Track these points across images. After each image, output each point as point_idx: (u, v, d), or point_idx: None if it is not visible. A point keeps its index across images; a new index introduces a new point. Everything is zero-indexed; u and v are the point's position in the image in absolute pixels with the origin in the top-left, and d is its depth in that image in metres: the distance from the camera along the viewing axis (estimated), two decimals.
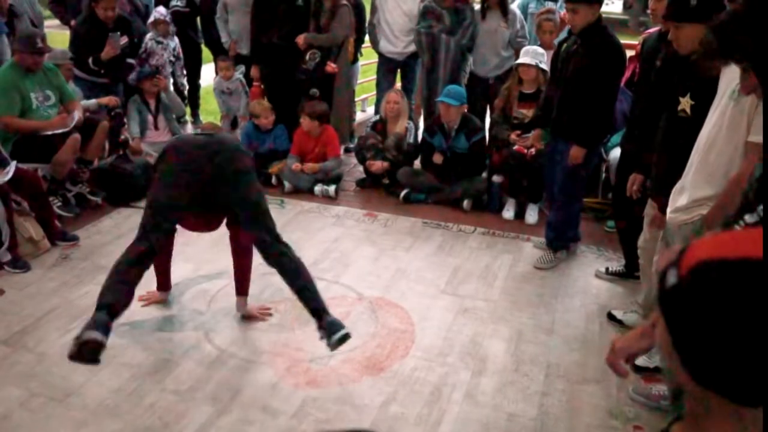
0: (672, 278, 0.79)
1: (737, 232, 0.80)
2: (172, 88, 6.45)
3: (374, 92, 6.66)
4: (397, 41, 6.02)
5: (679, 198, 2.58)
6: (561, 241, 4.32)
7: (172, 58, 6.46)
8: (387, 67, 6.24)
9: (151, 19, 6.32)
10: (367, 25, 6.25)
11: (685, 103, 2.76)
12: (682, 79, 2.82)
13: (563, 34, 5.59)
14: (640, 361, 3.15)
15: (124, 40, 5.58)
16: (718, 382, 0.77)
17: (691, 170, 2.54)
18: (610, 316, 3.61)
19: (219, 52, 6.64)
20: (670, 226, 2.66)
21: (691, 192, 2.52)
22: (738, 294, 0.72)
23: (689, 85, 2.76)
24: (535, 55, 4.92)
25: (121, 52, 5.57)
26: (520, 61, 4.98)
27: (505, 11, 5.56)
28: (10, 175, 4.04)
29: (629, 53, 4.29)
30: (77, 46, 5.54)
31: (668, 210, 2.65)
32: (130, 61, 5.87)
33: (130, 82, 5.86)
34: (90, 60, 5.45)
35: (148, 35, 6.29)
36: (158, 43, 6.33)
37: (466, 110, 5.17)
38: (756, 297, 0.70)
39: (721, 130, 2.38)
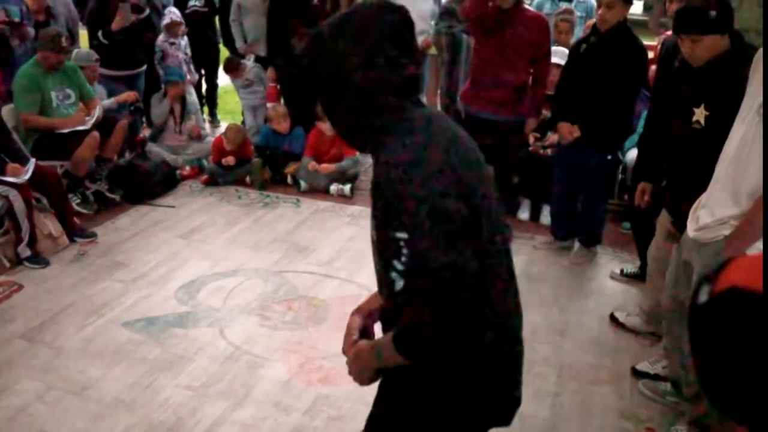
0: (704, 296, 0.77)
1: None
2: (192, 88, 6.47)
3: None
4: None
5: (702, 215, 2.43)
6: (593, 237, 4.39)
7: (185, 56, 6.50)
8: None
9: (166, 21, 6.33)
10: None
11: (700, 114, 2.66)
12: (695, 89, 2.73)
13: (578, 32, 5.57)
14: (641, 366, 3.13)
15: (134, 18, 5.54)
16: (732, 409, 0.75)
17: (716, 186, 2.38)
18: (612, 317, 3.60)
19: (237, 52, 6.68)
20: (691, 244, 2.52)
21: (714, 210, 2.36)
22: (761, 329, 0.70)
23: (704, 95, 2.67)
24: (561, 56, 4.81)
25: (134, 26, 5.52)
26: None
27: None
28: (30, 172, 4.11)
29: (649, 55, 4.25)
30: (90, 23, 5.55)
31: (690, 227, 2.50)
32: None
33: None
34: (100, 33, 5.41)
35: (160, 37, 6.31)
36: (171, 44, 6.37)
37: None
38: None
39: (746, 147, 2.23)
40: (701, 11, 2.64)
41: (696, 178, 2.63)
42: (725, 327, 0.73)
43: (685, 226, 2.67)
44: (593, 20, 4.76)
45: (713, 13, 2.61)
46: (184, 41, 6.50)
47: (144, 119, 6.16)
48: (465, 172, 1.35)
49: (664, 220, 3.09)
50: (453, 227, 1.27)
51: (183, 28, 6.43)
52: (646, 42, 4.01)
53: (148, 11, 5.83)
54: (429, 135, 1.35)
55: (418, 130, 1.36)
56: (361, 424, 2.84)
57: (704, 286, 0.78)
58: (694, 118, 2.69)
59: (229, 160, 5.48)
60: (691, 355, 0.80)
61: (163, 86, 5.88)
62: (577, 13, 5.82)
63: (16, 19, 5.02)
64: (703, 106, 2.66)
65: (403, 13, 1.41)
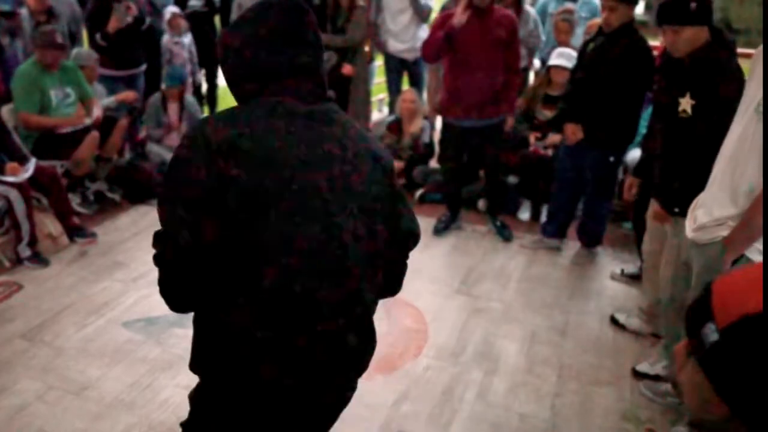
0: (712, 335, 0.77)
1: (760, 271, 0.77)
2: (192, 88, 6.45)
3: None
4: (405, 39, 5.98)
5: (700, 215, 2.42)
6: (594, 237, 4.43)
7: (189, 54, 6.48)
8: (394, 68, 6.21)
9: (167, 17, 6.30)
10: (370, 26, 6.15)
11: (686, 103, 2.71)
12: (680, 79, 2.79)
13: (579, 32, 5.56)
14: (642, 367, 3.13)
15: (132, 11, 5.51)
16: None
17: (713, 186, 2.37)
18: (613, 320, 3.59)
19: None
20: (689, 245, 2.52)
21: (712, 210, 2.35)
22: None
23: (688, 85, 2.73)
24: (569, 58, 4.78)
25: (131, 27, 5.52)
26: (554, 62, 4.87)
27: (519, 10, 5.53)
28: (30, 172, 4.11)
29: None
30: (88, 24, 5.57)
31: (689, 227, 2.49)
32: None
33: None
34: (98, 35, 5.41)
35: (165, 38, 6.29)
36: (176, 43, 6.35)
37: None
38: None
39: (745, 146, 2.22)
40: (682, 3, 2.74)
41: (686, 167, 2.70)
42: (749, 356, 0.73)
43: (671, 207, 2.78)
44: (597, 20, 4.77)
45: (693, 5, 2.72)
46: (188, 39, 6.47)
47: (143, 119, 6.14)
48: (277, 169, 1.37)
49: (651, 209, 3.11)
50: (183, 208, 1.35)
51: (184, 22, 6.40)
52: (650, 42, 3.99)
53: (149, 20, 5.81)
54: (247, 121, 1.40)
55: (242, 115, 1.43)
56: (360, 425, 2.86)
57: (708, 324, 0.77)
58: (681, 108, 2.75)
59: None
60: (715, 395, 0.79)
61: (162, 87, 5.86)
62: (582, 14, 5.81)
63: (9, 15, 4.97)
64: (688, 95, 2.72)
65: (292, 7, 1.48)
